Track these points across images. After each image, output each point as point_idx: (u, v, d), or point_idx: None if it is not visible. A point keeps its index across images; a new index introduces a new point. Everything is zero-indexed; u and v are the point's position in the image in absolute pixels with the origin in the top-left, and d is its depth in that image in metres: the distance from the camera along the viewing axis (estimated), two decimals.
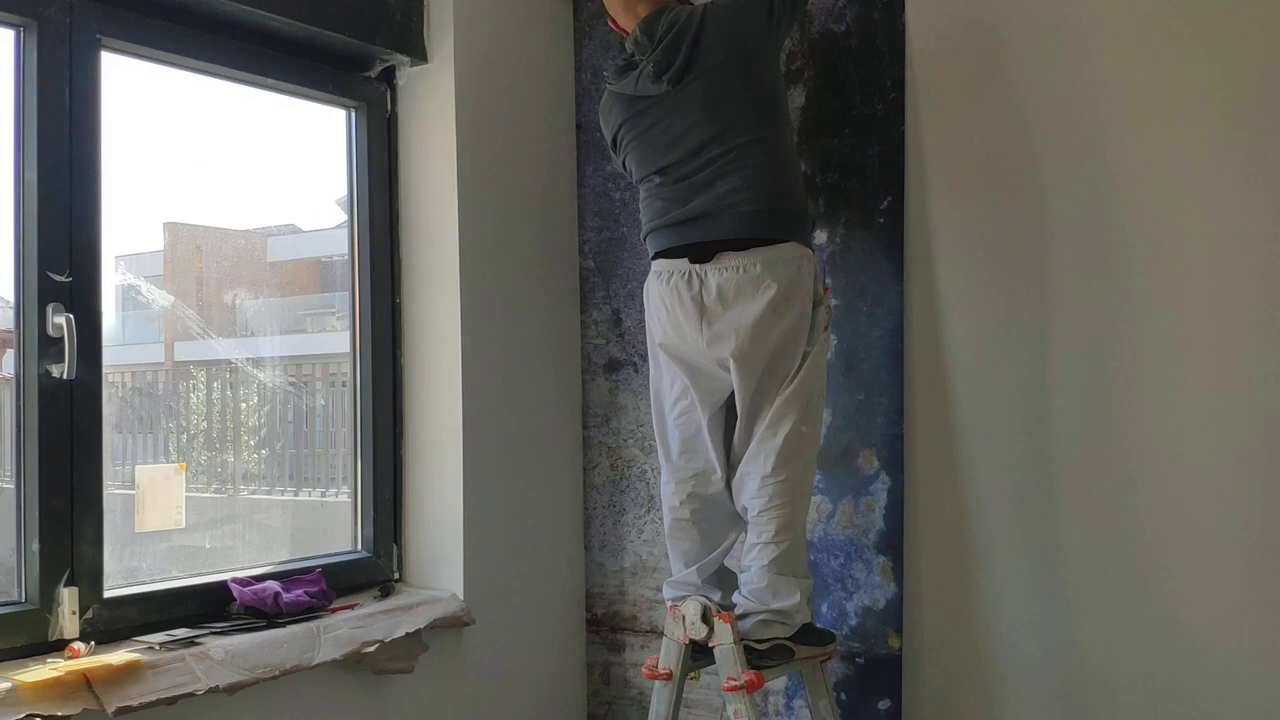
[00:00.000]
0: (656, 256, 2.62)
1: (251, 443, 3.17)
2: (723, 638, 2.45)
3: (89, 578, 2.46)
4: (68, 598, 2.41)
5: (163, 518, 2.67)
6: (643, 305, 2.70)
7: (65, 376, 2.40)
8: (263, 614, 2.67)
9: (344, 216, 3.17)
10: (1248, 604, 2.47)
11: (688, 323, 2.53)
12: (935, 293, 2.84)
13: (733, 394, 2.56)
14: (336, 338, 3.19)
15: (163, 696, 2.26)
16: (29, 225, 2.41)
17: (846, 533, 2.91)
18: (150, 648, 2.42)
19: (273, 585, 2.73)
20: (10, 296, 2.44)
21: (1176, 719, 2.54)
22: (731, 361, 2.49)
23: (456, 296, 3.07)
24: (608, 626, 3.41)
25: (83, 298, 2.46)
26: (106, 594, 2.50)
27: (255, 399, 3.20)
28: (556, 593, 3.39)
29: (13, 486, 2.43)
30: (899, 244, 2.87)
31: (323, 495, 3.25)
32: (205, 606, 2.67)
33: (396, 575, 3.15)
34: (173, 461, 2.78)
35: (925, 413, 2.85)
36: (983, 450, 2.79)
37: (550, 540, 3.38)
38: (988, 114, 2.78)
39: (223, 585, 2.71)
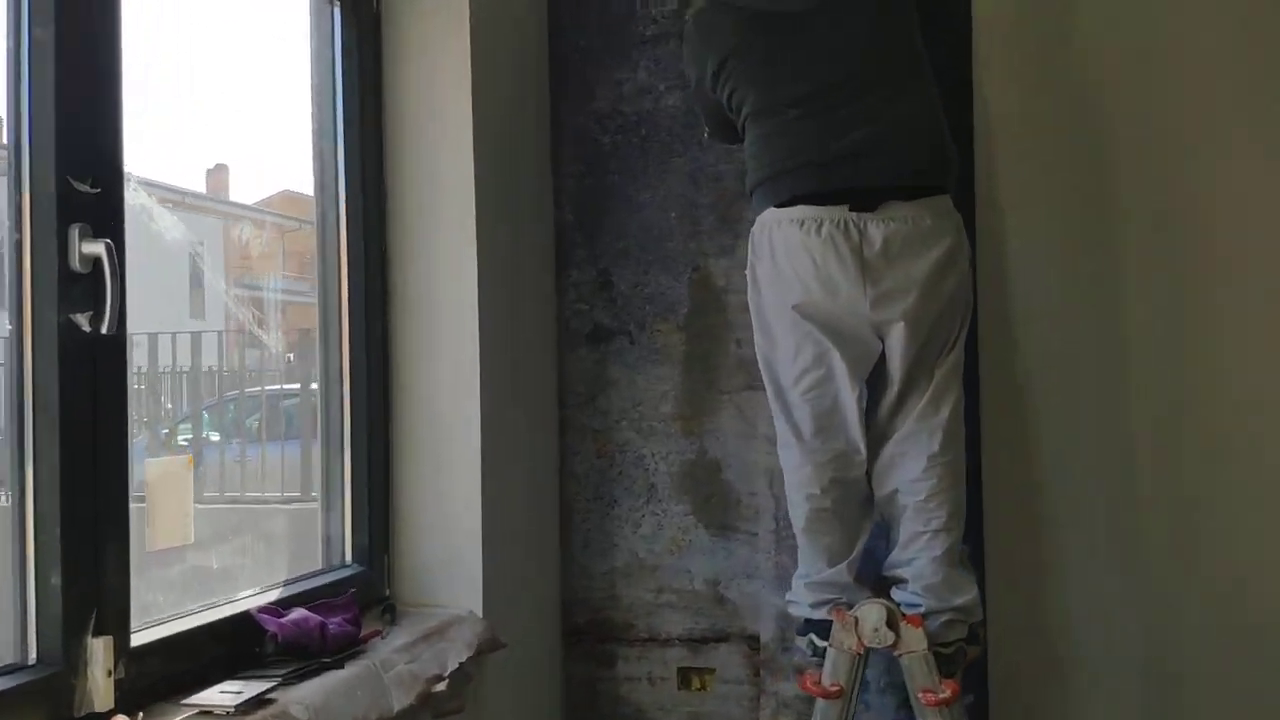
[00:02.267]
0: (790, 202, 2.23)
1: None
2: (913, 644, 2.14)
3: (116, 621, 1.71)
4: (100, 652, 1.65)
5: (174, 531, 1.93)
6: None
7: (104, 330, 1.65)
8: (304, 650, 2.01)
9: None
10: None
11: (846, 280, 2.17)
12: (1005, 269, 2.68)
13: (876, 364, 2.24)
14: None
15: None
16: (41, 106, 1.63)
17: None
18: (224, 714, 1.72)
19: (311, 615, 2.06)
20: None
21: (1257, 714, 2.55)
22: (901, 326, 2.17)
23: (472, 254, 2.50)
24: (593, 637, 2.94)
25: (109, 221, 1.71)
26: (133, 641, 1.75)
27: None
28: (527, 600, 2.86)
29: (12, 490, 1.64)
30: (970, 222, 2.68)
31: (283, 499, 2.54)
32: (235, 646, 1.96)
33: (388, 591, 2.51)
34: (175, 453, 2.02)
35: (996, 392, 2.67)
36: (1057, 434, 2.67)
37: (521, 540, 2.84)
38: (1056, 82, 2.66)
39: (245, 617, 2.01)
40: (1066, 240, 2.65)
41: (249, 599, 2.10)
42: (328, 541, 2.43)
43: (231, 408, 2.82)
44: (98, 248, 1.63)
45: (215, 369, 2.78)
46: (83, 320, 1.63)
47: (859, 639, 2.14)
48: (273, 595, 2.14)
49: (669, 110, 2.88)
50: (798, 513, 2.28)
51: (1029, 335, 2.66)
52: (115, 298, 1.64)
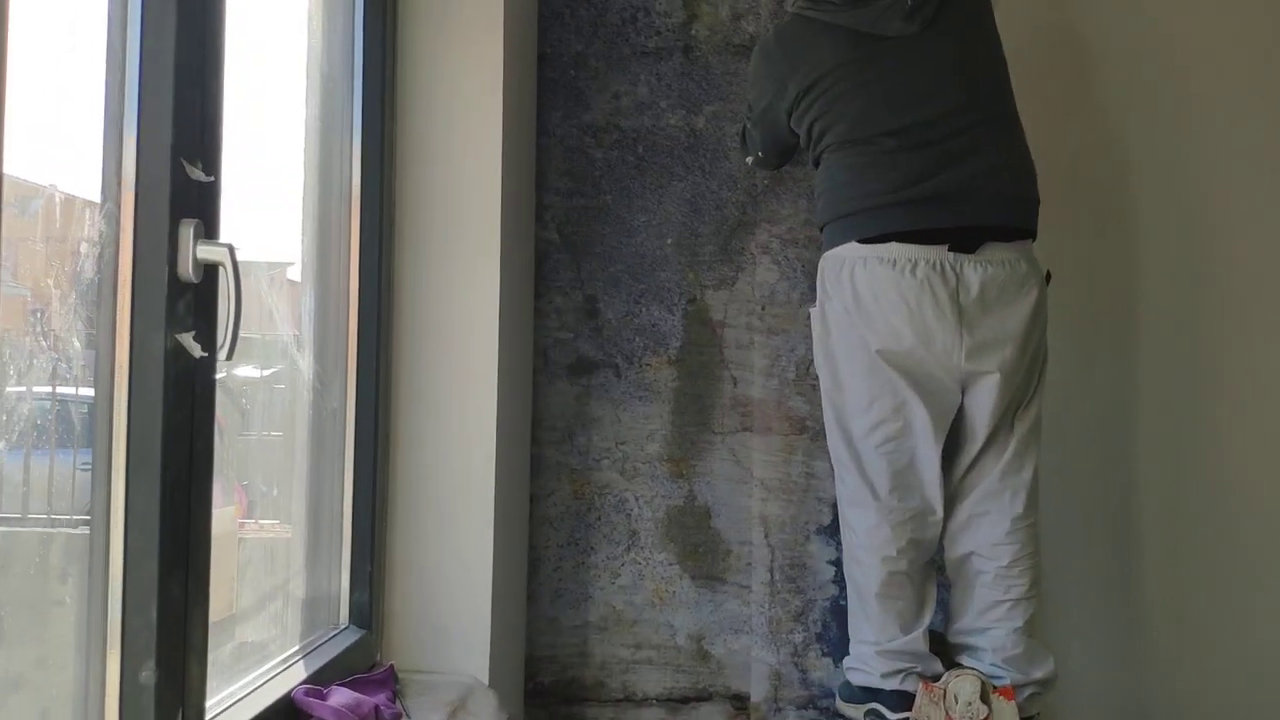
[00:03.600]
0: (880, 239, 2.08)
1: None
2: (1005, 718, 2.02)
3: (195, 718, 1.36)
4: None
5: (222, 598, 1.57)
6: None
7: (222, 356, 1.31)
8: None
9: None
10: None
11: (941, 327, 2.04)
12: None
13: (956, 418, 2.13)
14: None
15: None
16: (155, 71, 1.27)
17: None
18: None
19: (362, 698, 1.74)
20: (87, 192, 1.27)
21: None
22: (995, 379, 2.06)
23: (494, 276, 2.22)
24: (559, 698, 2.67)
25: (215, 218, 1.36)
26: None
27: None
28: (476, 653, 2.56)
29: (89, 561, 1.26)
30: None
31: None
32: None
33: (378, 655, 2.18)
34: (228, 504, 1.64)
35: None
36: (1061, 466, 2.64)
37: (476, 589, 2.55)
38: (1078, 127, 2.65)
39: (287, 702, 1.67)
40: (1081, 283, 2.63)
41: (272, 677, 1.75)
42: (313, 602, 2.07)
43: None
44: (217, 252, 1.29)
45: None
46: (192, 343, 1.28)
47: (947, 713, 2.01)
48: (298, 670, 1.78)
49: (670, 129, 2.68)
50: (870, 576, 2.12)
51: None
52: (234, 316, 1.30)
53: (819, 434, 2.61)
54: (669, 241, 2.68)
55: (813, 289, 2.61)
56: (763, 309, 2.66)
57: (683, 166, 2.68)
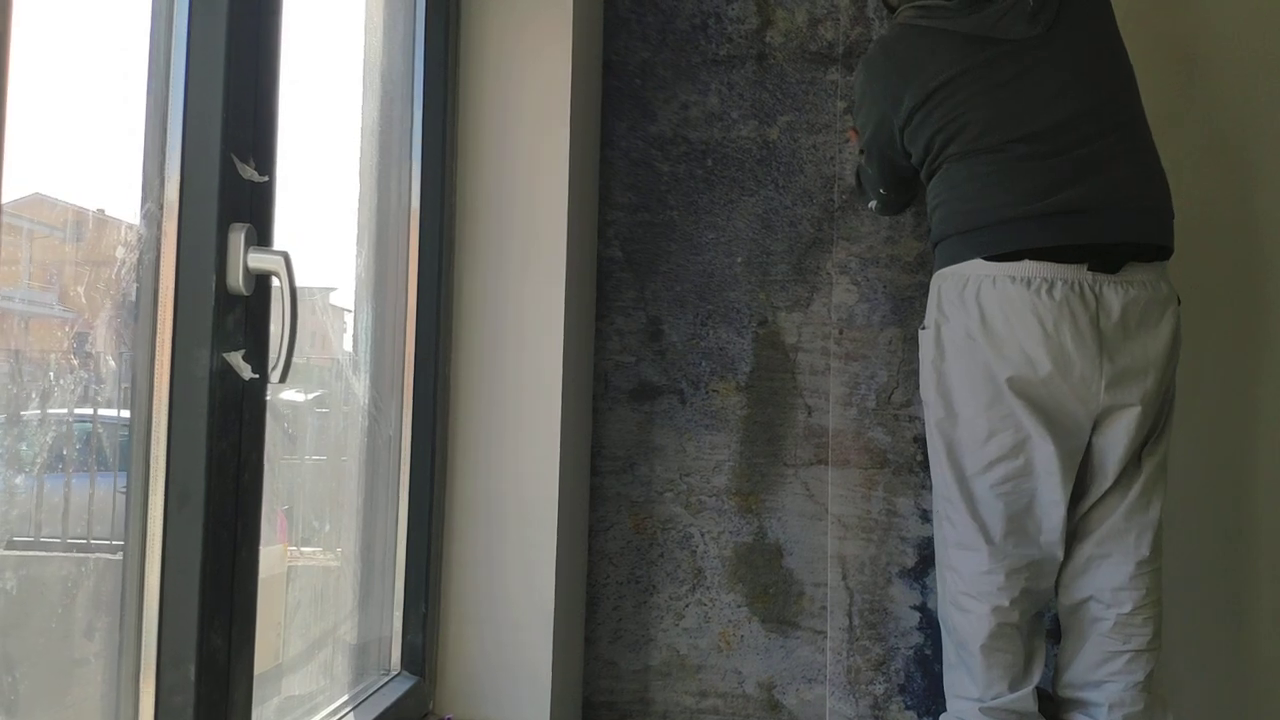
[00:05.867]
0: (1012, 256, 1.88)
1: None
2: None
3: None
4: None
5: (268, 646, 1.41)
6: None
7: (275, 378, 1.16)
8: None
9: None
10: None
11: (1081, 355, 1.84)
12: None
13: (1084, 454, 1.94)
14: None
15: None
16: (202, 62, 1.13)
17: None
18: None
19: None
20: (126, 203, 1.12)
21: None
22: (1135, 412, 1.86)
23: (560, 296, 2.07)
24: None
25: (268, 223, 1.21)
26: None
27: None
28: (536, 703, 2.40)
29: (120, 608, 1.11)
30: None
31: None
32: None
33: (431, 704, 2.02)
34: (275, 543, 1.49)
35: None
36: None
37: (536, 632, 2.39)
38: (1186, 134, 2.47)
39: None
40: None
41: None
42: (363, 647, 1.92)
43: None
44: (271, 261, 1.14)
45: None
46: (241, 363, 1.13)
47: None
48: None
49: (741, 141, 2.52)
50: (977, 625, 1.92)
51: None
52: (289, 333, 1.15)
53: (901, 468, 2.44)
54: (739, 260, 2.52)
55: (895, 311, 2.45)
56: (840, 332, 2.48)
57: (754, 180, 2.52)
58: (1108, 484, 1.90)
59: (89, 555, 1.12)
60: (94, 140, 1.11)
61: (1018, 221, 1.88)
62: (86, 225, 1.11)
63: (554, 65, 2.07)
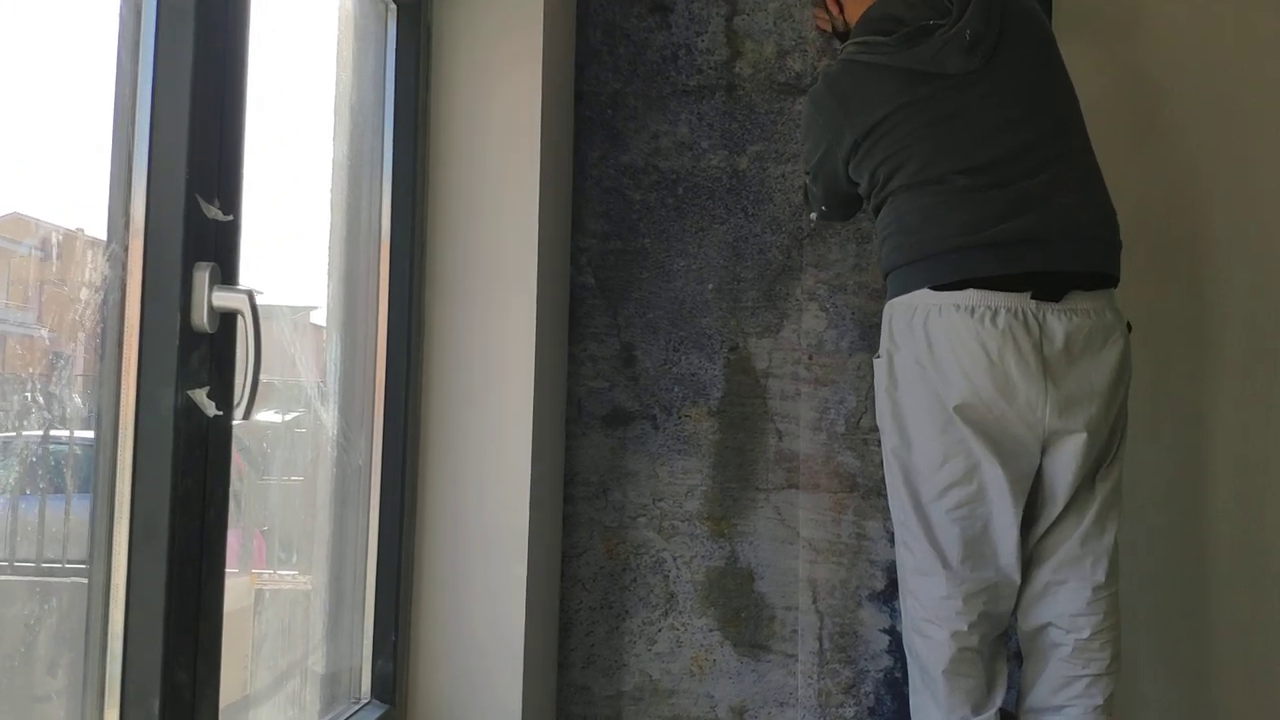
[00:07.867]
0: (957, 285, 1.92)
1: None
2: None
3: None
4: None
5: (235, 677, 1.42)
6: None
7: (239, 416, 1.18)
8: None
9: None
10: None
11: (1025, 381, 1.87)
12: None
13: (1034, 480, 1.97)
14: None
15: None
16: (168, 105, 1.15)
17: None
18: None
19: None
20: (94, 229, 1.15)
21: None
22: (1081, 438, 1.89)
23: (530, 323, 2.09)
24: None
25: (233, 261, 1.23)
26: None
27: None
28: None
29: (84, 643, 1.12)
30: None
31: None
32: None
33: None
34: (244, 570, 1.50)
35: None
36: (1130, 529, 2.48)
37: (507, 659, 2.40)
38: (1141, 174, 2.50)
39: None
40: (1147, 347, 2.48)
41: None
42: (333, 676, 1.93)
43: None
44: (235, 299, 1.16)
45: None
46: (205, 401, 1.15)
47: None
48: None
49: (711, 170, 2.55)
50: (938, 652, 1.95)
51: None
52: (253, 371, 1.17)
53: (870, 492, 2.47)
54: (710, 287, 2.54)
55: (863, 337, 2.48)
56: (810, 358, 2.51)
57: (724, 209, 2.55)
58: (1058, 509, 1.93)
59: (54, 579, 1.13)
60: (60, 181, 1.13)
61: (961, 251, 1.92)
62: (50, 264, 1.12)
63: (525, 95, 2.10)
